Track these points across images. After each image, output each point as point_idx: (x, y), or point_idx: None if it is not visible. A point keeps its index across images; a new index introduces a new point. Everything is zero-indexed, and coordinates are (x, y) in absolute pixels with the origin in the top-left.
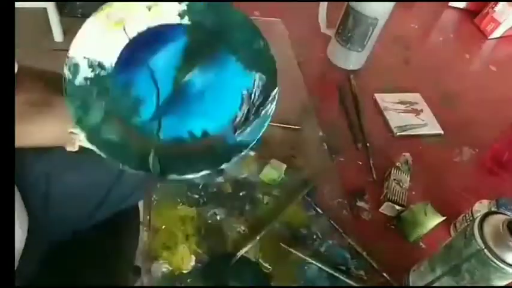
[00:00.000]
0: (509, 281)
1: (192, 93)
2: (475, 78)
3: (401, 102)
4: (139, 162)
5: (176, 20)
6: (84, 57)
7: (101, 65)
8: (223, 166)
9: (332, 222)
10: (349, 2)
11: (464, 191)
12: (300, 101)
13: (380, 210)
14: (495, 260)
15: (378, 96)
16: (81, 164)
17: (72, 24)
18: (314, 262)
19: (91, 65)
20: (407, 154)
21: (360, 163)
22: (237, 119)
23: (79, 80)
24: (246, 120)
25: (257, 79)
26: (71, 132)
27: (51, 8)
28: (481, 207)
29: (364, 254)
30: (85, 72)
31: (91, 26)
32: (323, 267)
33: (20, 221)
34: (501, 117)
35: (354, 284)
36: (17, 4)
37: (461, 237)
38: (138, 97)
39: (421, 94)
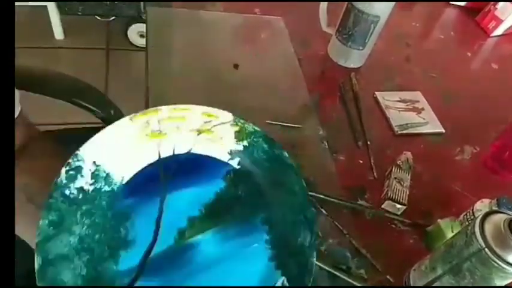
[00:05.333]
0: (510, 280)
1: (192, 261)
2: (477, 76)
3: (402, 101)
4: None
5: (224, 157)
6: (94, 162)
7: (108, 178)
8: None
9: (333, 221)
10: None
11: (465, 189)
12: (300, 100)
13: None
14: (496, 260)
15: (379, 95)
16: None
17: (72, 22)
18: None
19: (96, 175)
20: (408, 153)
21: (361, 162)
22: None
23: (71, 189)
24: None
25: (280, 284)
26: None
27: (51, 7)
28: (482, 206)
29: (365, 252)
30: (84, 181)
31: (122, 127)
32: (323, 266)
33: None
34: (503, 116)
35: (355, 283)
36: (17, 3)
37: (462, 236)
38: (126, 237)
39: (422, 92)
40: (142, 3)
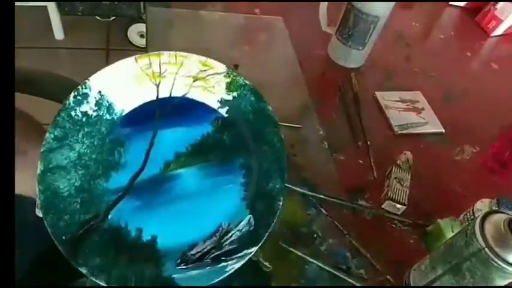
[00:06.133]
0: (510, 280)
1: (172, 190)
2: (477, 76)
3: (402, 101)
4: (66, 227)
5: (214, 105)
6: (99, 92)
7: (110, 108)
8: None
9: (333, 221)
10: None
11: (465, 189)
12: (300, 100)
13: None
14: (496, 259)
15: (379, 95)
16: None
17: (72, 23)
18: (314, 261)
19: (99, 103)
20: (408, 152)
21: (361, 161)
22: (193, 251)
23: (77, 112)
24: (200, 259)
25: (246, 221)
26: None
27: (51, 7)
28: (482, 206)
29: (365, 252)
30: (89, 107)
31: (127, 64)
32: (323, 266)
33: None
34: (503, 115)
35: (355, 283)
36: (18, 3)
37: (462, 236)
38: (119, 161)
39: (422, 92)
40: (142, 3)
